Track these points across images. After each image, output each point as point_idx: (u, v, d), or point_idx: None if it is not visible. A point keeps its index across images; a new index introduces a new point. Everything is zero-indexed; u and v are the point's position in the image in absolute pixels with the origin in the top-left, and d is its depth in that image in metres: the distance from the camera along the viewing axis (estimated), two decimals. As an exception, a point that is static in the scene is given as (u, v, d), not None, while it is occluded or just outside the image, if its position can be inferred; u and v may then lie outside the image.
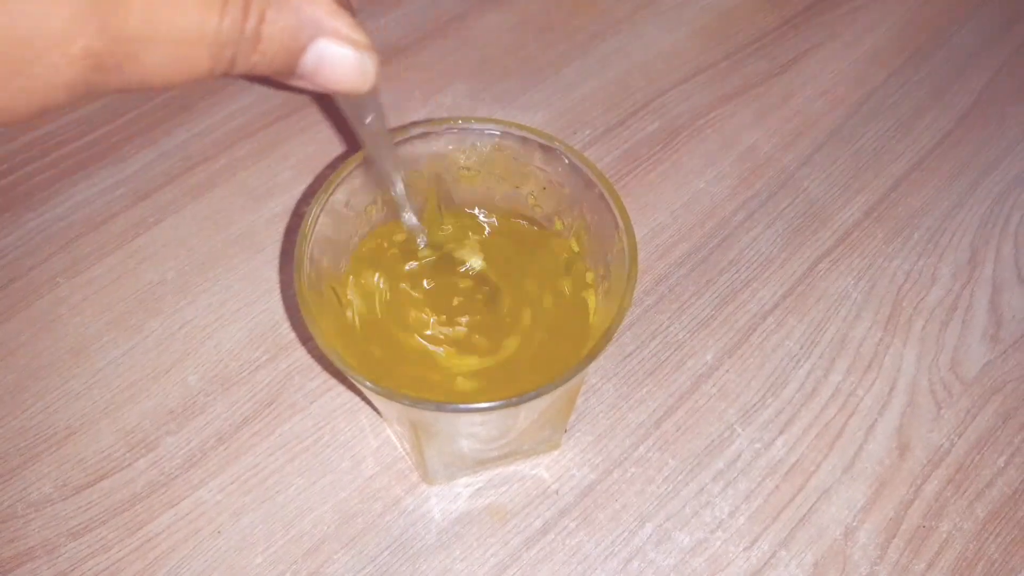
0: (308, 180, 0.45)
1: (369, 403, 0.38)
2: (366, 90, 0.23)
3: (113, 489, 0.35)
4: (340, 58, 0.21)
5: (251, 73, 0.21)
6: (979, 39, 0.54)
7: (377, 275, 0.32)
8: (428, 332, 0.31)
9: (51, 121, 0.46)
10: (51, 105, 0.19)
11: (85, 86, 0.18)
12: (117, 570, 0.34)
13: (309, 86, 0.22)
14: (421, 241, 0.32)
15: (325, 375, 0.39)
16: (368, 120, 0.26)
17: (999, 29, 0.55)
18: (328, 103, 0.48)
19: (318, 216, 0.29)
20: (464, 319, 0.32)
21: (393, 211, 0.32)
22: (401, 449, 0.37)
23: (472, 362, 0.31)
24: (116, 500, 0.35)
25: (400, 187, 0.30)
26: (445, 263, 0.33)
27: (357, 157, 0.30)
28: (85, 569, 0.34)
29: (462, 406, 0.25)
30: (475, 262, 0.33)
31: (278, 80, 0.22)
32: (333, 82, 0.22)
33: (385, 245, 0.33)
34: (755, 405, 0.39)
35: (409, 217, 0.31)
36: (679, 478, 0.37)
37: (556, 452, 0.37)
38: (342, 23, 0.21)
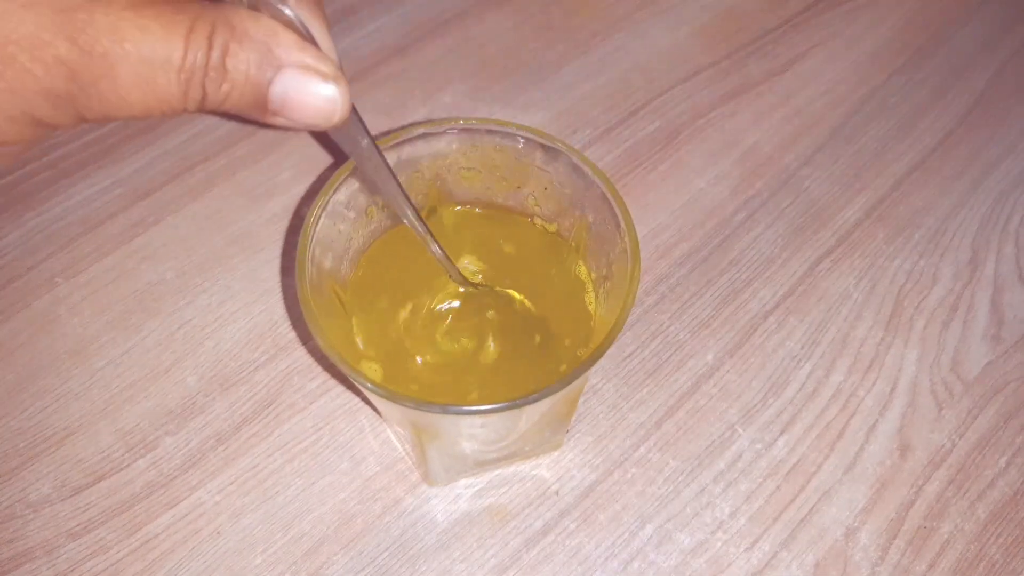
0: (308, 180, 0.45)
1: (369, 404, 0.38)
2: (337, 120, 0.23)
3: (112, 490, 0.35)
4: (306, 89, 0.22)
5: (226, 108, 0.22)
6: (980, 39, 0.54)
7: (383, 293, 0.32)
8: (433, 340, 0.31)
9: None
10: (36, 112, 0.20)
11: (65, 98, 0.20)
12: (116, 571, 0.33)
13: (285, 123, 0.22)
14: (451, 274, 0.31)
15: (325, 375, 0.39)
16: (363, 145, 0.25)
17: (1000, 29, 0.55)
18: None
19: (319, 217, 0.29)
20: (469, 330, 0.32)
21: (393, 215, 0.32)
22: (401, 450, 0.37)
23: (474, 364, 0.31)
24: (115, 501, 0.35)
25: (411, 211, 0.28)
26: (472, 304, 0.33)
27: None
28: (84, 570, 0.33)
29: (465, 408, 0.25)
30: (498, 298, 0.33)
31: (263, 122, 0.23)
32: (302, 114, 0.22)
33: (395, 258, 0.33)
34: (756, 405, 0.39)
35: (433, 247, 0.30)
36: (680, 479, 0.37)
37: (556, 452, 0.37)
38: (308, 55, 0.21)
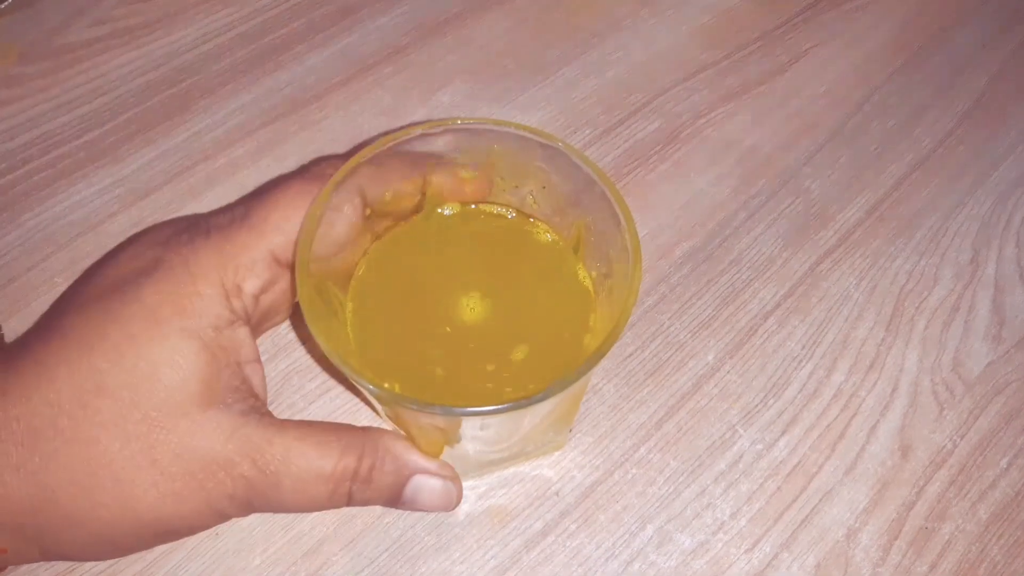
0: (307, 180, 0.45)
1: (369, 404, 0.38)
2: (453, 508, 0.32)
3: (111, 490, 0.35)
4: (431, 488, 0.30)
5: (365, 504, 0.30)
6: (981, 38, 0.54)
7: (381, 283, 0.32)
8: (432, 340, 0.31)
9: (49, 121, 0.46)
10: (221, 508, 0.28)
11: (244, 501, 0.28)
12: (115, 571, 0.33)
13: (410, 508, 0.31)
14: None
15: (324, 376, 0.38)
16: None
17: (1001, 28, 0.55)
18: (331, 100, 0.48)
19: (319, 217, 0.29)
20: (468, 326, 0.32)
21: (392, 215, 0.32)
22: (401, 450, 0.37)
23: (476, 363, 0.31)
24: (114, 502, 0.35)
25: None
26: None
27: (357, 158, 0.30)
28: (83, 570, 0.33)
29: (467, 409, 0.25)
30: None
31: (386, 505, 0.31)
32: (428, 506, 0.31)
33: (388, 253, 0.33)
34: (757, 406, 0.39)
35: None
36: (680, 479, 0.36)
37: (557, 453, 0.37)
38: (432, 464, 0.30)
